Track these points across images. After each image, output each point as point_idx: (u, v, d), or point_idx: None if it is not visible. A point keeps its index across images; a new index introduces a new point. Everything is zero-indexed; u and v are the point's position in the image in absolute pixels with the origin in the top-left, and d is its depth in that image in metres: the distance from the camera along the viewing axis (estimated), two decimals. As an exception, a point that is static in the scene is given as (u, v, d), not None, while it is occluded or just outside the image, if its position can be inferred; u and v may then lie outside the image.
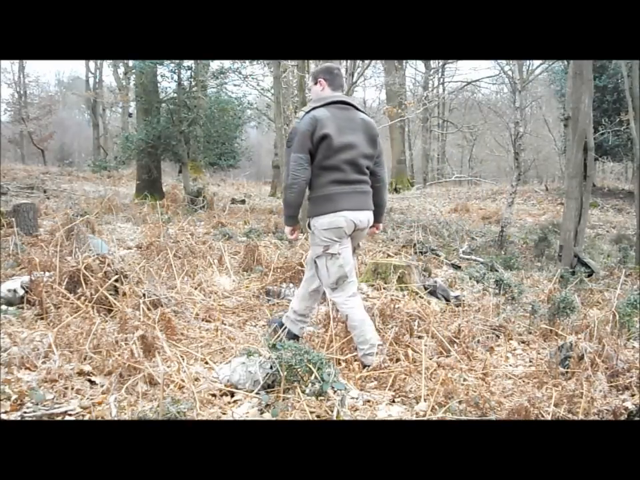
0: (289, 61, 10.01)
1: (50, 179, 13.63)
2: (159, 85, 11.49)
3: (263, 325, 3.51)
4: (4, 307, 3.23)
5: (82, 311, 2.95)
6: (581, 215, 6.48)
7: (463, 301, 4.24)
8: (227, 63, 12.23)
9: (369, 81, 23.10)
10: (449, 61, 19.05)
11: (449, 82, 22.57)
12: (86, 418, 1.99)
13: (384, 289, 4.17)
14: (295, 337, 3.04)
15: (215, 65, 12.28)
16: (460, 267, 6.24)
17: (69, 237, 4.57)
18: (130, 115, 18.97)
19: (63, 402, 2.08)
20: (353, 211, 2.76)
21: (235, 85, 13.85)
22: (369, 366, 2.72)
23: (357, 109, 2.84)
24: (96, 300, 3.10)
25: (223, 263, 4.85)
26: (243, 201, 12.89)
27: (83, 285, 3.21)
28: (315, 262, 2.86)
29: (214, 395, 2.30)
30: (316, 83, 2.86)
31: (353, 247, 2.93)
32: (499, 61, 9.85)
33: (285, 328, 3.08)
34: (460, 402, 2.35)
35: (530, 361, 3.17)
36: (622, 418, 2.23)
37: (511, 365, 3.10)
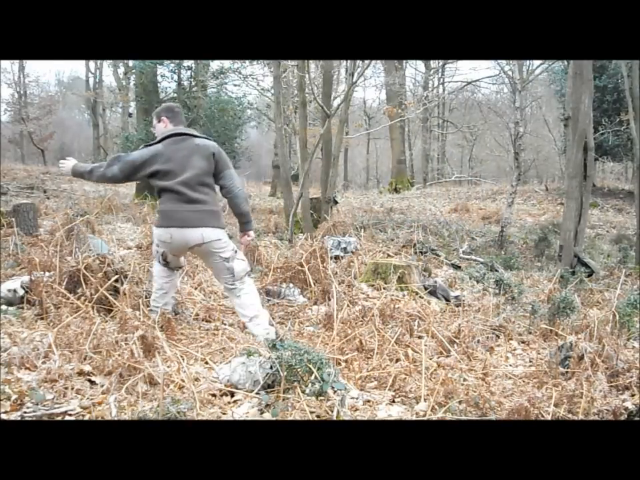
0: (289, 60, 10.01)
1: (50, 179, 13.62)
2: (159, 84, 11.50)
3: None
4: (4, 307, 3.23)
5: (82, 311, 2.95)
6: (581, 214, 6.48)
7: (463, 300, 4.24)
8: (227, 63, 12.25)
9: (369, 81, 23.16)
10: (449, 60, 19.05)
11: (449, 82, 22.58)
12: (86, 418, 1.99)
13: (384, 288, 4.17)
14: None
15: (215, 64, 12.31)
16: (460, 267, 6.24)
17: (69, 236, 4.57)
18: (130, 115, 18.97)
19: (63, 402, 2.08)
20: (177, 229, 3.04)
21: (234, 85, 13.84)
22: None
23: (194, 136, 3.17)
24: (96, 300, 3.10)
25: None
26: (243, 201, 12.86)
27: (83, 284, 3.21)
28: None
29: (214, 395, 2.30)
30: (159, 121, 3.21)
31: (209, 264, 3.24)
32: (499, 61, 9.86)
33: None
34: (460, 402, 2.35)
35: (530, 361, 3.17)
36: (622, 418, 2.23)
37: (511, 365, 3.10)
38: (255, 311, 3.14)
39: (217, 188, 3.24)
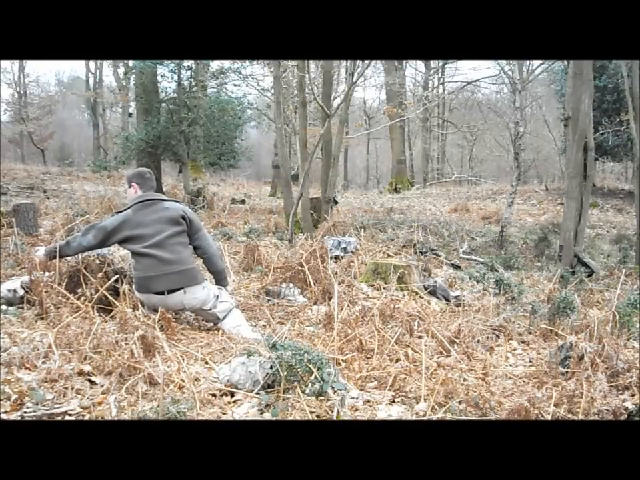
0: (289, 60, 10.01)
1: (50, 179, 13.61)
2: (159, 84, 11.48)
3: (264, 325, 3.51)
4: (4, 307, 3.22)
5: (82, 311, 2.95)
6: (581, 215, 6.48)
7: (463, 300, 4.24)
8: (227, 63, 12.24)
9: (369, 81, 23.14)
10: (449, 60, 19.06)
11: (449, 82, 22.60)
12: (86, 418, 1.99)
13: (384, 288, 4.17)
14: None
15: (215, 64, 12.30)
16: (460, 267, 6.24)
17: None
18: (130, 115, 18.96)
19: (63, 402, 2.08)
20: (157, 295, 3.12)
21: (234, 85, 13.85)
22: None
23: (163, 200, 3.30)
24: (96, 300, 3.10)
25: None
26: (242, 201, 12.89)
27: (83, 284, 3.21)
28: None
29: (214, 395, 2.30)
30: (130, 186, 3.34)
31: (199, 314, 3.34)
32: (499, 61, 9.85)
33: None
34: (460, 402, 2.35)
35: (530, 361, 3.17)
36: (622, 418, 2.23)
37: (511, 365, 3.10)
38: (232, 323, 3.25)
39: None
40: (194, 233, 3.30)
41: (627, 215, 12.75)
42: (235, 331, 3.17)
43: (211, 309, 3.24)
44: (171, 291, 3.12)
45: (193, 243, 3.31)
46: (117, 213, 3.28)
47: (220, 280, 3.47)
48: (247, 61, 12.25)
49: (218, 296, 3.28)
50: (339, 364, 2.73)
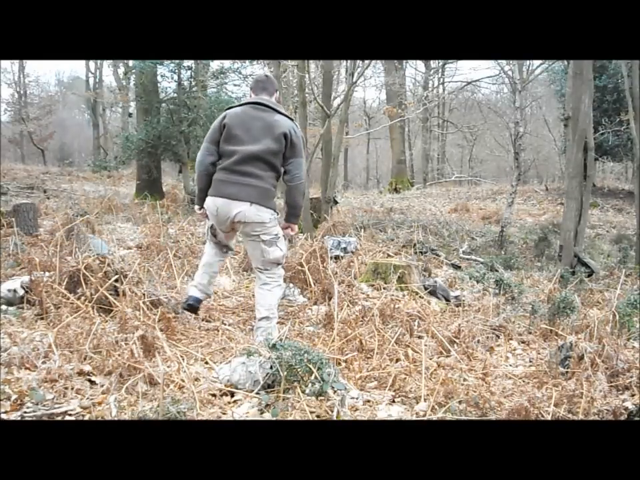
0: (289, 60, 10.01)
1: (50, 179, 13.62)
2: (159, 84, 11.48)
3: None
4: (4, 307, 3.23)
5: (82, 311, 2.95)
6: (581, 215, 6.48)
7: (463, 300, 4.24)
8: (227, 63, 12.23)
9: (369, 81, 23.11)
10: (449, 60, 19.06)
11: (449, 82, 22.57)
12: (86, 418, 1.99)
13: (384, 288, 4.17)
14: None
15: (215, 64, 12.28)
16: (460, 267, 6.24)
17: (69, 236, 4.57)
18: (130, 115, 18.95)
19: (63, 402, 2.08)
20: (224, 200, 3.01)
21: (234, 85, 13.85)
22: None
23: (276, 110, 3.09)
24: (96, 300, 3.10)
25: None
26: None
27: (83, 284, 3.21)
28: None
29: (214, 395, 2.30)
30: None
31: (247, 240, 3.17)
32: (499, 61, 9.85)
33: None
34: (460, 402, 2.35)
35: (530, 361, 3.17)
36: (622, 418, 2.23)
37: (511, 365, 3.10)
38: (266, 312, 3.11)
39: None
40: (290, 156, 3.07)
41: (627, 214, 12.75)
42: (264, 315, 3.09)
43: (265, 244, 3.07)
44: (237, 199, 3.00)
45: (285, 165, 3.10)
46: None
47: (290, 215, 3.23)
48: (247, 61, 12.24)
49: (279, 238, 3.14)
50: (339, 364, 2.73)
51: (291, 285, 4.24)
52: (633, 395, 2.52)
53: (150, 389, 2.27)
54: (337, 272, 4.44)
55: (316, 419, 2.09)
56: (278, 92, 3.26)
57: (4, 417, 1.91)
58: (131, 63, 12.76)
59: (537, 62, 14.94)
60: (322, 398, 2.19)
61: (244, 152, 2.99)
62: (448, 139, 25.05)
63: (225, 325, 3.41)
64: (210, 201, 3.08)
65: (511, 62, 8.84)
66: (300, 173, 3.11)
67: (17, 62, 24.53)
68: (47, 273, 3.36)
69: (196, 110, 11.02)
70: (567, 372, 2.72)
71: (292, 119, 3.16)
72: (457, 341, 3.17)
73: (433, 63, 20.28)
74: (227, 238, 3.27)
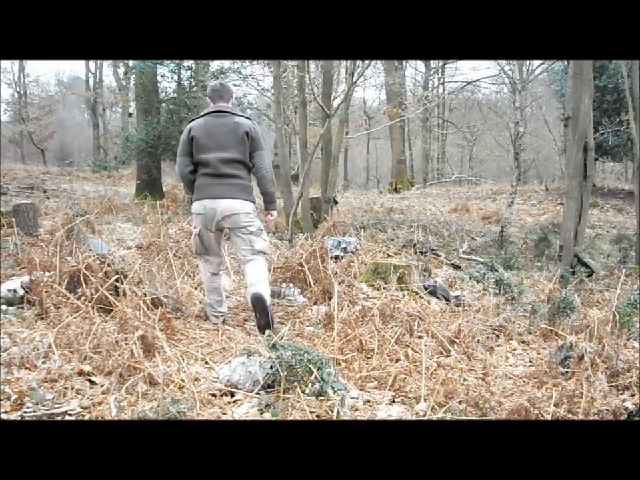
0: (289, 60, 10.01)
1: (50, 179, 13.60)
2: (159, 84, 11.48)
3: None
4: (4, 307, 3.23)
5: (82, 311, 2.95)
6: (581, 215, 6.48)
7: (463, 300, 4.24)
8: (227, 63, 12.23)
9: (369, 81, 23.12)
10: (449, 60, 19.06)
11: (449, 82, 22.57)
12: (86, 418, 1.99)
13: (384, 288, 4.17)
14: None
15: (215, 64, 12.28)
16: (460, 267, 6.24)
17: (69, 236, 4.57)
18: (130, 115, 18.93)
19: (63, 402, 2.08)
20: (210, 200, 3.28)
21: (235, 85, 13.81)
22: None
23: (234, 114, 3.39)
24: (96, 300, 3.10)
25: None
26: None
27: (83, 284, 3.21)
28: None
29: (214, 395, 2.30)
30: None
31: (223, 230, 3.44)
32: (499, 61, 9.85)
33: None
34: (460, 402, 2.35)
35: (530, 361, 3.17)
36: (622, 418, 2.23)
37: (511, 365, 3.10)
38: (255, 278, 3.34)
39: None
40: (252, 150, 3.37)
41: (627, 214, 12.74)
42: (254, 280, 3.31)
43: (252, 234, 3.34)
44: (222, 197, 3.27)
45: (250, 159, 3.39)
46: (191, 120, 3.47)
47: (267, 203, 3.55)
48: (247, 61, 12.24)
49: (262, 230, 3.43)
50: (339, 364, 2.73)
51: (291, 284, 4.24)
52: (633, 395, 2.52)
53: (150, 389, 2.27)
54: (337, 272, 4.44)
55: (316, 419, 2.09)
56: (233, 96, 3.56)
57: (4, 416, 1.91)
58: (131, 63, 12.76)
59: (536, 62, 14.95)
60: (322, 398, 2.19)
61: (217, 158, 3.28)
62: (448, 138, 25.05)
63: (225, 324, 3.41)
64: (197, 204, 3.34)
65: (510, 62, 8.84)
66: (264, 163, 3.42)
67: (16, 62, 24.55)
68: (47, 273, 3.36)
69: (196, 110, 11.01)
70: (567, 372, 2.71)
71: (249, 118, 3.48)
72: (457, 341, 3.17)
73: (433, 63, 20.28)
74: (215, 240, 3.42)
